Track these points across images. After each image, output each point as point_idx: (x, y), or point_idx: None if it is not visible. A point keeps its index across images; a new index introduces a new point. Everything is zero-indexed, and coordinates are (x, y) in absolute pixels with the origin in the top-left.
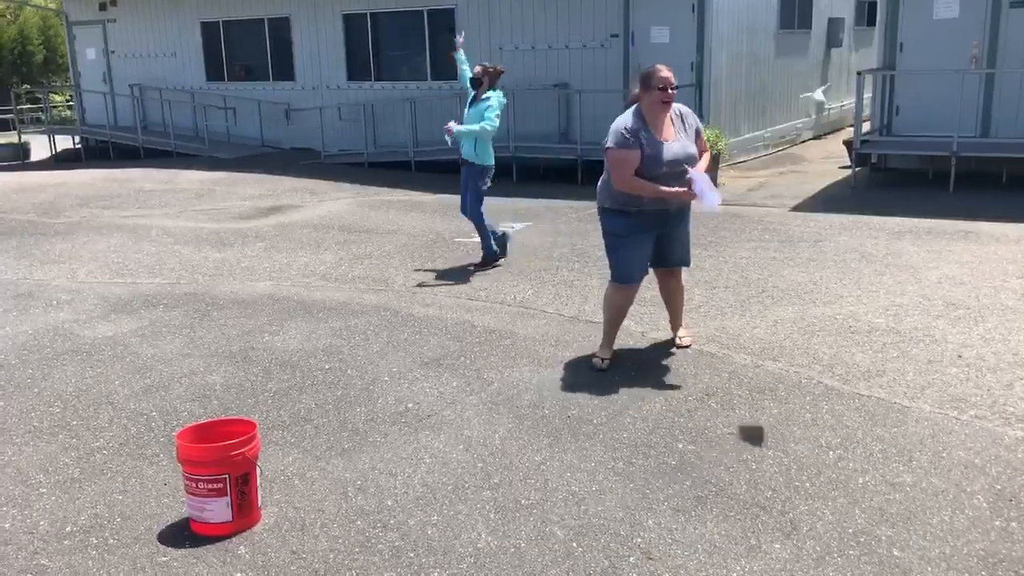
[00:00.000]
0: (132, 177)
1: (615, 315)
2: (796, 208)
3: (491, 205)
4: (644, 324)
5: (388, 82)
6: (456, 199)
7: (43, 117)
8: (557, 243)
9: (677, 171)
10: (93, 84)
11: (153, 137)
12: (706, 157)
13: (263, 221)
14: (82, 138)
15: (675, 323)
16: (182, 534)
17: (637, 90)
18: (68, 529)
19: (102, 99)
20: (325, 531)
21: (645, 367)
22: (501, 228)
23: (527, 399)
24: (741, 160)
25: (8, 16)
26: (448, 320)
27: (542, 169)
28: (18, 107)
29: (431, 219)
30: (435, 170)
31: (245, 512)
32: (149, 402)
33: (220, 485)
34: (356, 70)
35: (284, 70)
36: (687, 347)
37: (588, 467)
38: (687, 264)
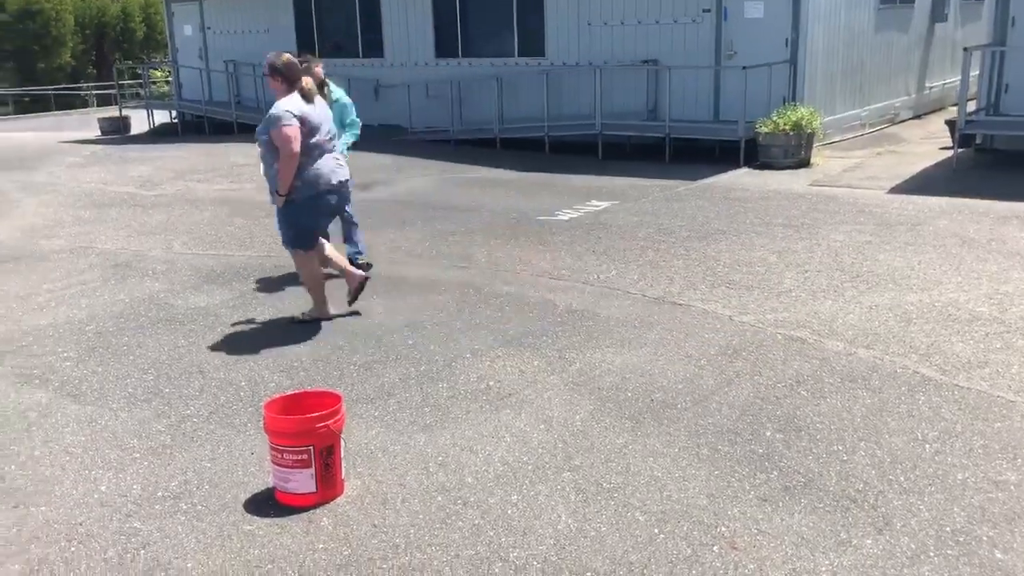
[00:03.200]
0: (226, 151)
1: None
2: (893, 190)
3: (576, 183)
4: (731, 307)
5: (475, 59)
6: (541, 177)
7: (142, 92)
8: (643, 223)
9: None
10: (189, 60)
11: (246, 112)
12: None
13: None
14: (178, 112)
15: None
16: (267, 503)
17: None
18: (159, 494)
19: (198, 75)
20: (406, 505)
21: (732, 351)
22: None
23: (609, 381)
24: (836, 140)
25: None
26: (530, 299)
27: (629, 146)
28: (119, 82)
29: (515, 197)
30: (520, 147)
31: (329, 484)
32: (238, 372)
33: (305, 457)
34: (444, 46)
35: (373, 47)
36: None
37: (671, 452)
38: (285, 244)
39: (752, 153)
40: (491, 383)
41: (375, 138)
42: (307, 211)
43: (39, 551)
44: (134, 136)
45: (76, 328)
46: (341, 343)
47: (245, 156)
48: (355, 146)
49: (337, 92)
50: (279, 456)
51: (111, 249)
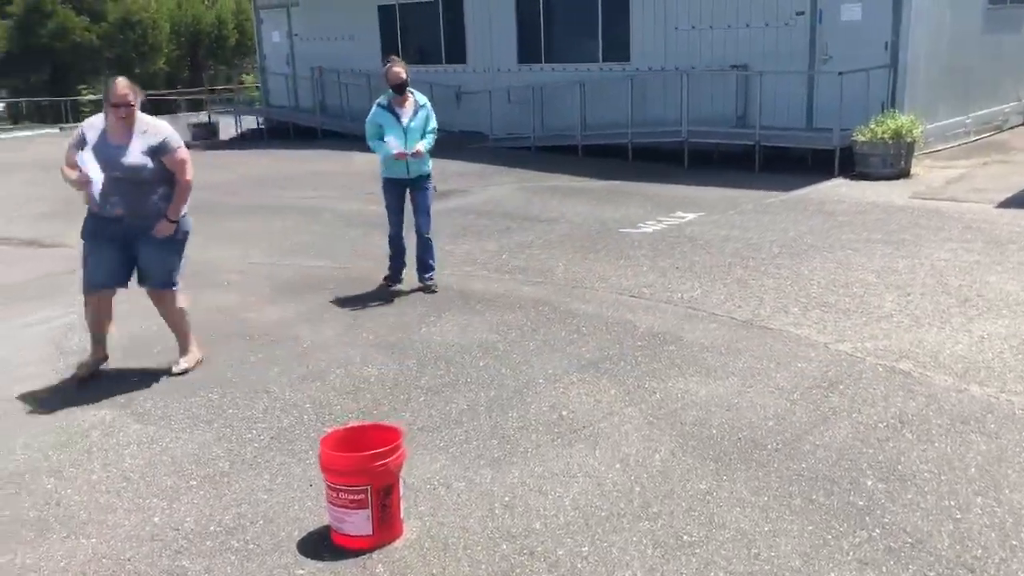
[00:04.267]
0: (309, 157)
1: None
2: (1003, 204)
3: (660, 193)
4: (826, 333)
5: (558, 64)
6: (624, 186)
7: (231, 97)
8: (731, 237)
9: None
10: (277, 66)
11: (330, 119)
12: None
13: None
14: (265, 118)
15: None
16: (322, 543)
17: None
18: (212, 528)
19: (284, 81)
20: (468, 553)
21: (828, 384)
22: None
23: (692, 415)
24: (938, 148)
25: (207, 2)
26: (609, 319)
27: (716, 154)
28: (210, 88)
29: (596, 207)
30: (602, 154)
31: (387, 526)
32: (304, 392)
33: (361, 497)
34: (527, 52)
35: (456, 53)
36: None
37: (760, 502)
38: (161, 285)
39: (847, 163)
40: (564, 413)
41: (456, 145)
42: (185, 242)
43: None
44: (222, 141)
45: (147, 341)
46: (411, 364)
47: (328, 162)
48: (434, 153)
49: (421, 98)
50: (335, 495)
51: (190, 257)
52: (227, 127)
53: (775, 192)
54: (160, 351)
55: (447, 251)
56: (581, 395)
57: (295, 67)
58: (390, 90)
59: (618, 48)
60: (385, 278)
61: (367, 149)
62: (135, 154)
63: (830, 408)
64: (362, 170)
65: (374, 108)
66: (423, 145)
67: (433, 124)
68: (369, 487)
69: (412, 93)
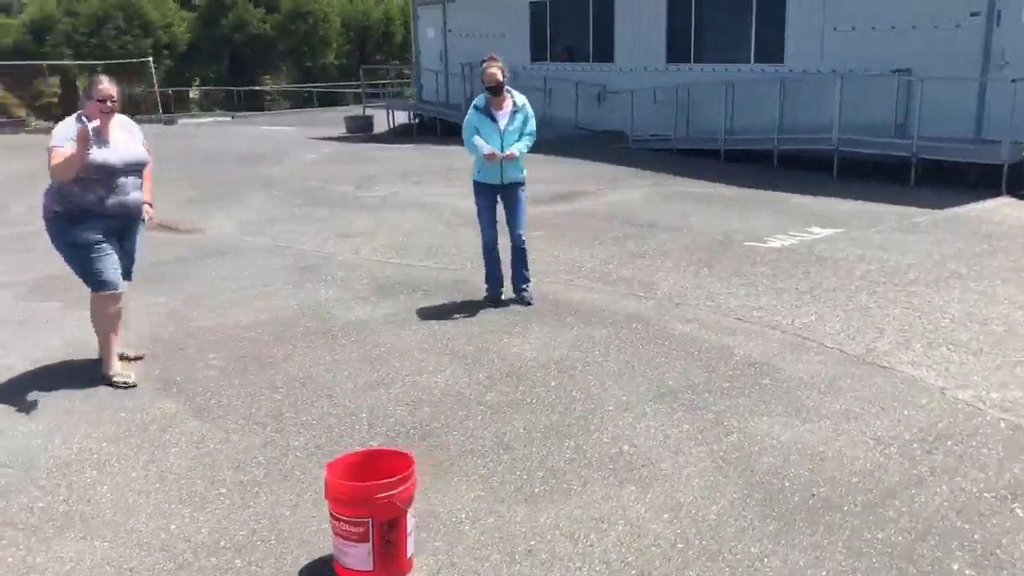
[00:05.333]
0: (449, 153)
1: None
2: None
3: (798, 204)
4: (947, 376)
5: (707, 64)
6: (762, 195)
7: (397, 92)
8: (864, 257)
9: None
10: (430, 62)
11: None
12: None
13: (550, 208)
14: (415, 113)
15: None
16: (324, 574)
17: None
18: (222, 544)
19: (435, 77)
20: None
21: (935, 438)
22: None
23: (767, 462)
24: None
25: None
26: (704, 343)
27: (870, 165)
28: (368, 82)
29: (726, 216)
30: (746, 160)
31: (390, 563)
32: (364, 400)
33: (362, 529)
34: (675, 51)
35: (604, 51)
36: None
37: None
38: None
39: (1016, 180)
40: (625, 447)
41: (593, 145)
42: None
43: None
44: (375, 135)
45: (236, 334)
46: (480, 377)
47: (464, 159)
48: (568, 152)
49: (520, 98)
50: (337, 525)
51: (306, 250)
52: (381, 121)
53: (927, 209)
54: (249, 339)
55: (554, 257)
56: (650, 428)
57: (447, 63)
58: (486, 91)
59: (771, 48)
60: (485, 298)
61: None
62: (137, 146)
63: (929, 468)
64: None
65: (470, 110)
66: (517, 148)
67: (532, 127)
68: (371, 520)
69: (510, 93)
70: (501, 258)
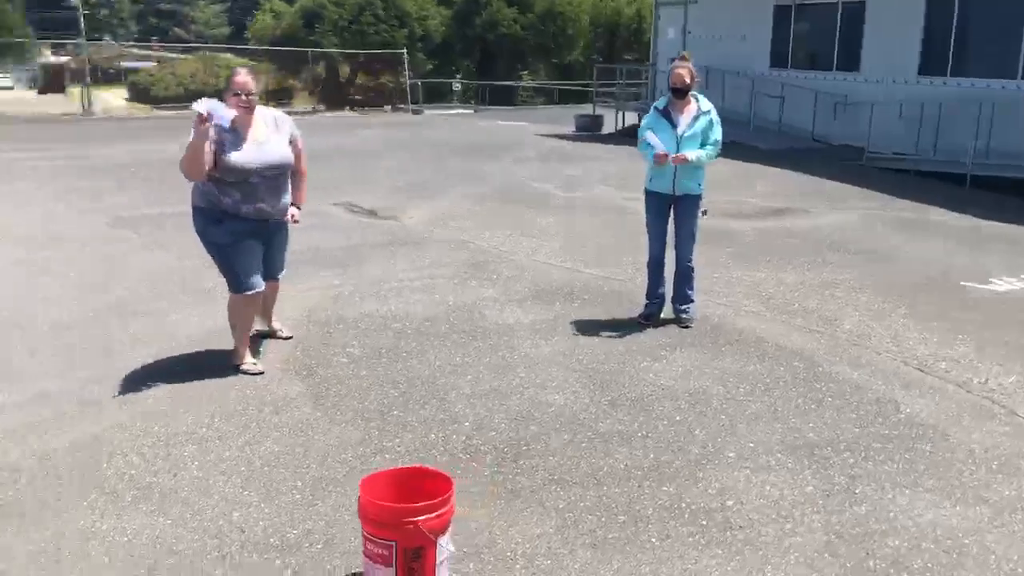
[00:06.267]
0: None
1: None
2: None
3: (1003, 233)
4: None
5: (965, 78)
6: (1002, 229)
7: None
8: None
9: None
10: (666, 63)
11: None
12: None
13: (753, 223)
14: (643, 114)
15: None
16: None
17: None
18: (272, 541)
19: (665, 79)
20: None
21: None
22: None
23: (887, 549)
24: None
25: None
26: (869, 392)
27: None
28: (604, 82)
29: (949, 251)
30: (999, 188)
31: None
32: (473, 410)
33: (386, 552)
34: (930, 62)
35: (849, 59)
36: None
37: None
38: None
39: None
40: (730, 503)
41: (824, 158)
42: None
43: (124, 566)
44: (600, 135)
45: (384, 324)
46: (603, 401)
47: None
48: (795, 164)
49: (706, 104)
50: (365, 543)
51: (483, 247)
52: (611, 121)
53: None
54: (393, 332)
55: (735, 277)
56: (765, 484)
57: None
58: (669, 92)
59: None
60: (640, 315)
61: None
62: (281, 147)
63: None
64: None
65: (650, 111)
66: (694, 154)
67: (716, 135)
68: (395, 544)
69: (696, 98)
70: (666, 276)
